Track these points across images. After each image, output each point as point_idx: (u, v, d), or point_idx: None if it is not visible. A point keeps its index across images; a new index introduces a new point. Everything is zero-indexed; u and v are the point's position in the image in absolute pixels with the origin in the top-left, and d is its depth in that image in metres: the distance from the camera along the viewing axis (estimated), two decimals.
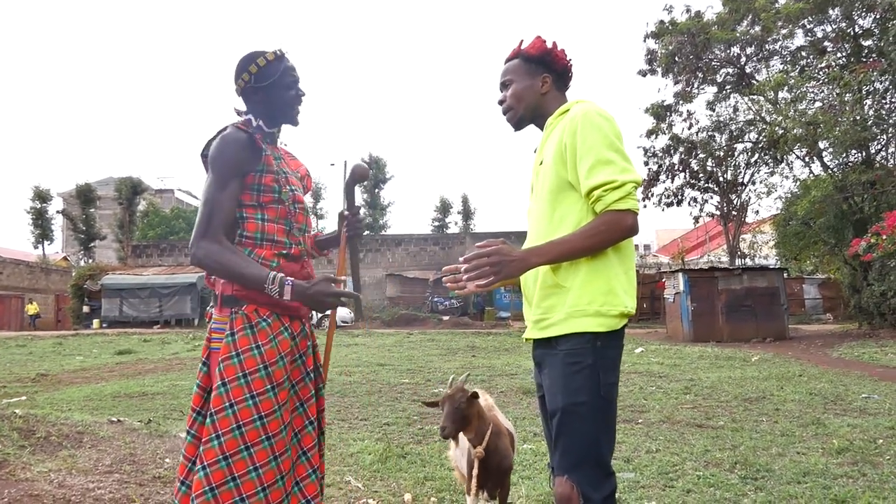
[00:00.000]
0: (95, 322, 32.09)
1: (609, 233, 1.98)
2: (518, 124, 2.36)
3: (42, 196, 48.38)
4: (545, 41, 2.31)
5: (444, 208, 43.86)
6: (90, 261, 44.97)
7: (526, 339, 2.22)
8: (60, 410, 7.22)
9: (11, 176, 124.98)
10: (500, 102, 2.37)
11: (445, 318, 30.35)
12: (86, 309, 33.62)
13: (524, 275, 2.15)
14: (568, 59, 2.32)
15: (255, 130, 2.29)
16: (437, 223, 43.64)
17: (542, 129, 2.31)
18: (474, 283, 2.03)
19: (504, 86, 2.35)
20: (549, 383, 2.09)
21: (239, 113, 2.38)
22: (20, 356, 16.02)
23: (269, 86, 2.31)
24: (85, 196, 47.34)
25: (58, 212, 50.75)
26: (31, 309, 34.93)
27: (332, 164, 53.78)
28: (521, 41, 2.34)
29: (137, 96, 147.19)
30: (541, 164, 2.21)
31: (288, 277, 2.16)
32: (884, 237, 12.63)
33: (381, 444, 5.29)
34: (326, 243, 2.62)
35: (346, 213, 2.56)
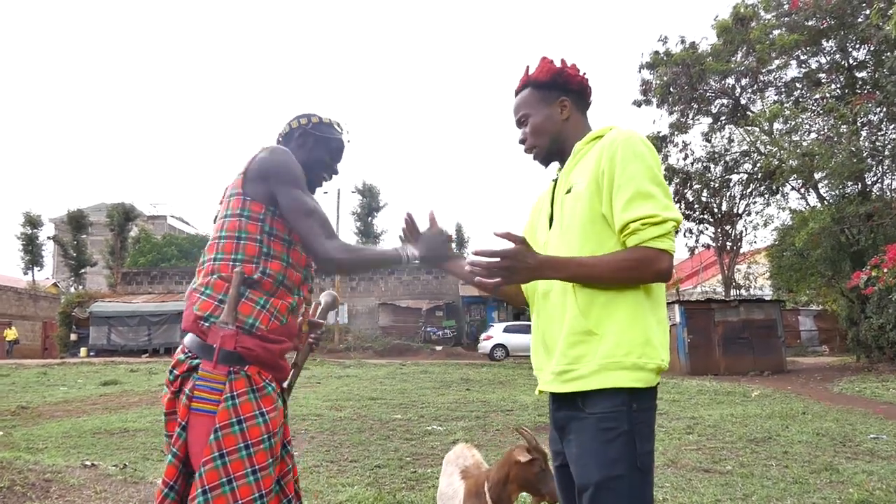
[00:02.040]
0: (83, 350, 31.54)
1: (640, 270, 1.75)
2: (546, 160, 2.10)
3: (33, 222, 47.96)
4: (552, 61, 2.05)
5: None
6: (80, 287, 44.49)
7: (540, 392, 1.93)
8: (35, 449, 6.91)
9: (2, 201, 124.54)
10: (522, 142, 2.11)
11: (439, 348, 30.02)
12: (73, 337, 33.10)
13: (545, 317, 1.91)
14: (583, 74, 2.07)
15: None
16: None
17: (565, 159, 2.05)
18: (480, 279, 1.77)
19: (521, 123, 2.09)
20: (578, 453, 1.79)
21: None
22: (2, 386, 15.57)
23: (321, 138, 2.27)
24: (76, 222, 46.95)
25: (49, 238, 50.34)
26: (10, 335, 34.25)
27: (326, 193, 53.23)
28: (528, 67, 2.08)
29: (131, 122, 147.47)
30: (568, 192, 1.92)
31: (406, 245, 2.16)
32: (885, 270, 12.44)
33: (371, 491, 4.98)
34: None
35: (320, 321, 2.43)
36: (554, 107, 2.03)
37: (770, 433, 7.54)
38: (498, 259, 1.71)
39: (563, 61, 2.06)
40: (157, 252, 44.62)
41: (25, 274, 49.32)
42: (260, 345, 1.94)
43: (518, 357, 24.20)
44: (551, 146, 2.05)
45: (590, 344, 1.78)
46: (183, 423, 1.88)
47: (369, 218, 41.22)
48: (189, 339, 1.99)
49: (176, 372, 1.96)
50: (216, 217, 2.14)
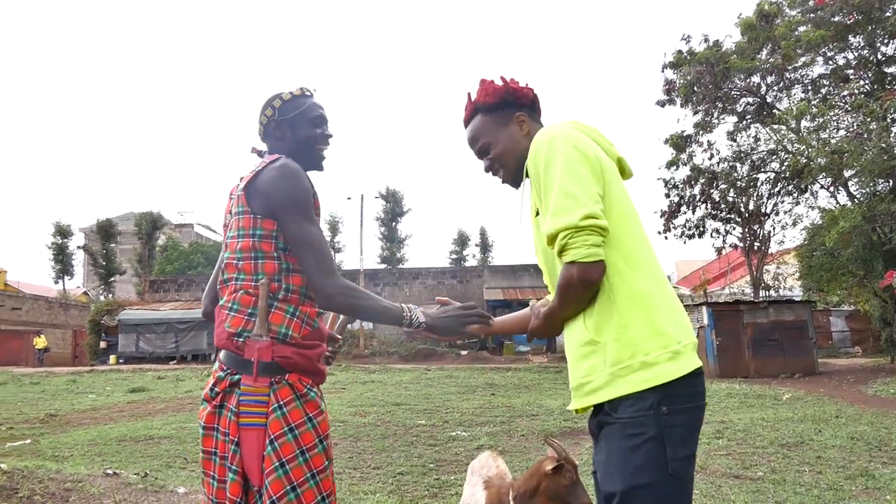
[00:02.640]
0: (112, 358, 31.94)
1: (568, 292, 1.71)
2: (518, 182, 2.01)
3: (63, 232, 48.79)
4: (492, 81, 1.99)
5: (462, 241, 43.56)
6: (110, 296, 45.11)
7: (576, 411, 1.85)
8: (61, 457, 6.95)
9: (33, 212, 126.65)
10: (488, 170, 2.03)
11: (464, 352, 29.89)
12: (102, 344, 33.53)
13: (564, 336, 1.87)
14: (525, 84, 2.00)
15: None
16: (454, 256, 43.32)
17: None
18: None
19: (482, 152, 2.02)
20: (604, 459, 1.71)
21: (259, 154, 2.16)
22: (33, 394, 15.82)
23: (293, 119, 2.12)
24: (105, 231, 47.67)
25: (78, 247, 51.11)
26: (40, 343, 34.72)
27: (349, 198, 53.76)
28: (469, 94, 2.01)
29: (158, 131, 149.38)
30: (537, 214, 1.86)
31: (415, 308, 2.08)
32: None
33: (393, 499, 4.92)
34: None
35: (336, 335, 2.37)
36: (512, 125, 1.97)
37: (802, 437, 7.36)
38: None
39: (502, 78, 2.00)
40: (184, 260, 45.10)
41: (56, 283, 50.19)
42: (297, 352, 1.95)
43: None
44: (518, 167, 1.97)
45: (597, 354, 1.71)
46: (235, 439, 1.89)
47: (393, 223, 41.27)
48: (225, 355, 1.99)
49: (217, 389, 1.96)
50: (227, 225, 2.11)
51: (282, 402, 1.89)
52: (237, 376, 1.93)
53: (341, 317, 2.41)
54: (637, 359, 1.65)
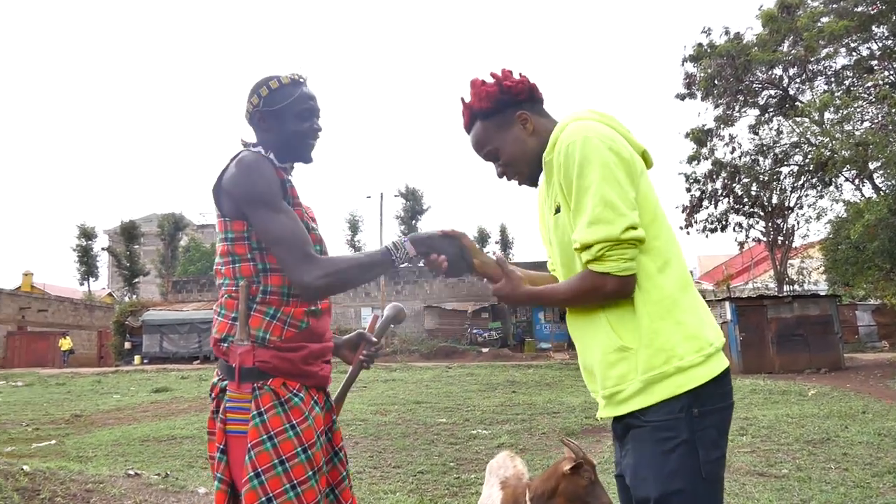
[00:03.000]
0: (136, 358, 32.31)
1: (589, 295, 1.68)
2: (533, 181, 1.96)
3: (87, 233, 49.36)
4: (483, 82, 1.89)
5: (482, 238, 43.52)
6: (134, 297, 45.61)
7: (601, 419, 1.82)
8: (85, 458, 7.03)
9: (58, 215, 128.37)
10: (501, 175, 1.96)
11: (485, 349, 29.88)
12: (127, 345, 33.93)
13: (578, 336, 1.82)
14: (521, 76, 1.90)
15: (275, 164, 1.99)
16: None
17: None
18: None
19: (491, 157, 1.94)
20: (635, 464, 1.66)
21: (246, 145, 2.05)
22: (58, 395, 16.01)
23: (280, 111, 1.99)
24: (128, 233, 48.20)
25: (103, 249, 51.71)
26: (65, 344, 35.16)
27: (369, 197, 53.69)
28: (463, 99, 1.92)
29: (180, 133, 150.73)
30: (557, 211, 1.78)
31: (404, 238, 1.94)
32: None
33: (413, 498, 4.91)
34: (333, 348, 2.23)
35: (372, 338, 2.25)
36: (515, 127, 1.88)
37: (828, 434, 7.25)
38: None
39: (494, 75, 1.90)
40: (207, 260, 45.54)
41: (81, 284, 50.80)
42: (276, 356, 1.86)
43: None
44: (531, 167, 1.90)
45: (629, 360, 1.66)
46: (221, 446, 1.85)
47: (413, 221, 41.36)
48: (219, 361, 1.96)
49: (212, 395, 1.95)
50: None
51: (262, 409, 1.81)
52: (226, 382, 1.89)
53: (381, 319, 2.32)
54: (672, 364, 1.61)
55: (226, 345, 1.89)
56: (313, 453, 1.85)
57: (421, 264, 2.00)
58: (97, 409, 12.53)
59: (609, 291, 1.64)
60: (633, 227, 1.60)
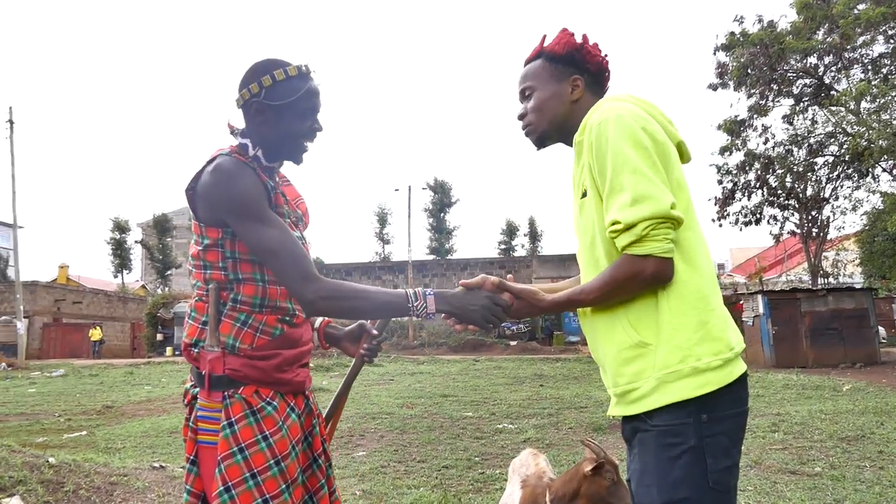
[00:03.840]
0: (168, 350, 32.73)
1: (627, 283, 1.56)
2: (541, 141, 1.88)
3: (121, 227, 50.10)
4: (573, 34, 1.82)
5: (511, 231, 43.30)
6: (166, 289, 46.23)
7: (612, 417, 1.76)
8: (114, 449, 7.10)
9: (94, 208, 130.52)
10: (521, 117, 1.88)
11: (513, 343, 29.78)
12: (159, 337, 34.37)
13: (590, 330, 1.74)
14: (603, 55, 1.84)
15: (252, 162, 1.83)
16: (503, 246, 43.08)
17: (568, 143, 1.83)
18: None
19: (524, 95, 1.87)
20: (640, 470, 1.59)
21: (233, 131, 1.91)
22: (91, 386, 16.26)
23: (281, 107, 1.82)
24: (161, 226, 48.88)
25: (136, 242, 52.46)
26: (95, 335, 35.67)
27: (397, 190, 53.63)
28: (544, 37, 1.85)
29: (213, 127, 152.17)
30: (583, 195, 1.71)
31: (427, 289, 1.80)
32: None
33: (437, 493, 4.86)
34: (334, 339, 2.18)
35: (374, 331, 2.13)
36: (564, 84, 1.81)
37: (863, 431, 7.07)
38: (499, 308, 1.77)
39: (584, 37, 1.84)
40: None
41: (115, 277, 51.59)
42: (247, 364, 1.76)
43: None
44: (550, 127, 1.83)
45: (645, 357, 1.58)
46: (192, 457, 1.77)
47: (441, 214, 41.27)
48: (191, 367, 1.87)
49: (185, 401, 1.86)
50: None
51: (232, 419, 1.71)
52: (197, 389, 1.80)
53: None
54: (688, 364, 1.53)
55: (196, 350, 1.79)
56: (287, 465, 1.75)
57: (449, 322, 1.86)
58: (128, 400, 12.70)
59: (649, 276, 1.53)
60: (675, 207, 1.53)
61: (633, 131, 1.57)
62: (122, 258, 50.19)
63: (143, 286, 56.28)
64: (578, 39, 1.83)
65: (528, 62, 1.88)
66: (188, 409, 1.83)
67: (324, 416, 2.10)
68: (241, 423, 1.71)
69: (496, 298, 1.78)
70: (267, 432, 1.73)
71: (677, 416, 1.52)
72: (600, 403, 9.97)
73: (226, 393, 1.74)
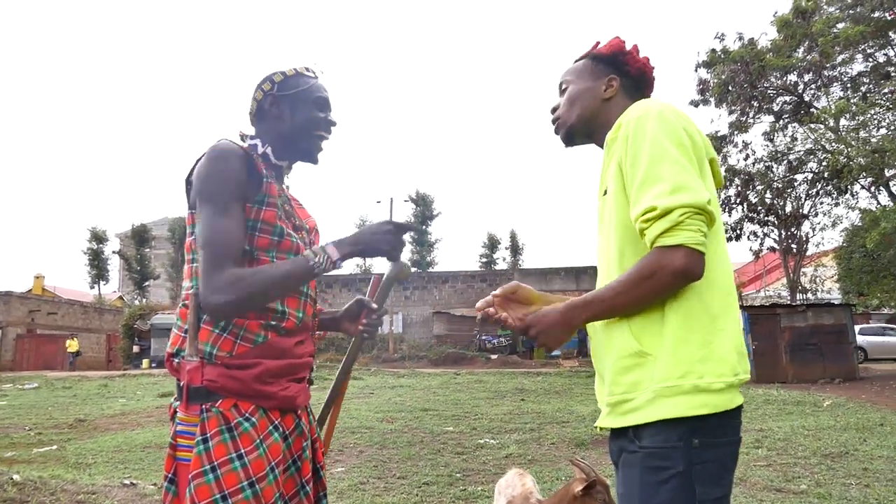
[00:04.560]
0: (144, 362, 32.26)
1: (656, 278, 1.42)
2: (568, 138, 1.81)
3: (98, 237, 49.42)
4: (624, 41, 1.78)
5: (492, 244, 43.21)
6: (144, 300, 45.65)
7: (600, 429, 1.64)
8: (84, 465, 6.90)
9: (70, 218, 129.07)
10: (552, 110, 1.83)
11: (494, 356, 29.65)
12: (135, 349, 33.89)
13: (593, 335, 1.63)
14: (646, 62, 1.78)
15: (251, 150, 1.77)
16: (484, 260, 42.96)
17: (599, 144, 1.76)
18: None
19: (560, 90, 1.83)
20: (626, 493, 1.50)
21: (243, 138, 1.86)
22: (64, 399, 15.91)
23: (294, 96, 1.82)
24: (140, 236, 48.24)
25: (114, 252, 51.79)
26: (72, 346, 35.07)
27: (379, 202, 53.41)
28: (598, 43, 1.83)
29: (194, 137, 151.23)
30: (605, 193, 1.63)
31: (324, 245, 1.70)
32: None
33: None
34: (329, 324, 2.06)
35: (372, 306, 2.00)
36: (599, 82, 1.76)
37: (846, 447, 7.03)
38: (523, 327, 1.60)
39: (634, 46, 1.80)
40: None
41: (92, 288, 50.87)
42: (224, 373, 1.63)
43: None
44: (579, 123, 1.77)
45: (644, 368, 1.48)
46: (170, 475, 1.64)
47: (423, 226, 41.13)
48: (176, 379, 1.75)
49: (170, 417, 1.74)
50: None
51: (207, 435, 1.58)
52: (178, 403, 1.68)
53: (386, 275, 2.02)
54: (688, 380, 1.42)
55: (177, 360, 1.67)
56: (262, 488, 1.60)
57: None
58: (102, 414, 12.41)
59: (678, 269, 1.40)
60: (711, 202, 1.45)
61: (674, 128, 1.50)
62: (99, 269, 49.47)
63: (121, 297, 55.57)
64: (628, 46, 1.79)
65: (574, 62, 1.86)
66: (172, 424, 1.70)
67: (321, 414, 1.98)
68: (214, 440, 1.59)
69: (397, 223, 1.78)
70: (242, 451, 1.60)
71: (667, 437, 1.42)
72: (583, 418, 9.88)
73: (203, 406, 1.62)
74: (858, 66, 21.55)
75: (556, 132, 1.83)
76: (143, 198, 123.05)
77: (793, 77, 22.68)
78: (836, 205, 24.38)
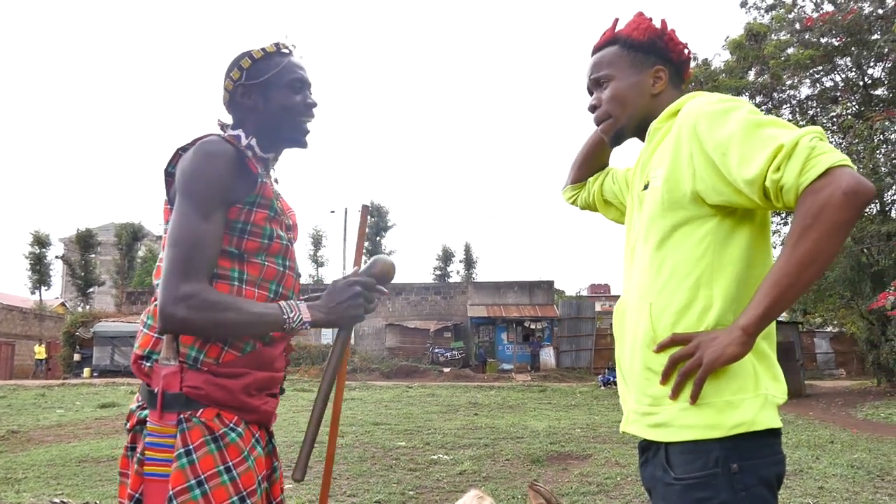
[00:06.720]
0: (86, 371, 31.22)
1: (830, 217, 1.17)
2: (618, 138, 1.65)
3: (41, 241, 47.94)
4: (651, 19, 1.61)
5: (447, 257, 43.24)
6: (88, 307, 44.34)
7: (624, 432, 1.49)
8: (14, 480, 6.51)
9: (11, 221, 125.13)
10: (592, 109, 1.65)
11: (446, 369, 29.48)
12: (77, 357, 32.76)
13: (619, 331, 1.50)
14: (684, 44, 1.62)
15: (241, 145, 1.61)
16: (438, 272, 42.95)
17: (643, 139, 1.61)
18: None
19: (598, 84, 1.63)
20: None
21: (223, 127, 1.70)
22: None
23: (266, 83, 1.65)
24: (85, 241, 46.96)
25: (57, 257, 50.28)
26: (40, 353, 33.80)
27: (333, 212, 53.14)
28: (616, 21, 1.64)
29: (142, 142, 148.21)
30: (645, 188, 1.48)
31: (298, 302, 1.57)
32: None
33: None
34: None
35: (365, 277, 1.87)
36: (646, 75, 1.59)
37: (800, 465, 7.03)
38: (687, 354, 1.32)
39: (663, 22, 1.62)
40: None
41: (33, 293, 49.26)
42: (210, 381, 1.48)
43: None
44: (630, 122, 1.60)
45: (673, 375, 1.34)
46: (137, 494, 1.44)
47: (377, 237, 40.93)
48: (141, 384, 1.56)
49: (128, 425, 1.55)
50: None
51: (191, 447, 1.43)
52: (146, 411, 1.50)
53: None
54: (722, 397, 1.29)
55: (148, 364, 1.51)
56: (253, 503, 1.47)
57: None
58: (37, 425, 11.87)
59: (847, 189, 1.16)
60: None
61: (742, 101, 1.37)
62: (41, 274, 47.95)
63: (63, 304, 53.91)
64: (658, 24, 1.61)
65: (599, 48, 1.66)
66: (130, 437, 1.52)
67: (315, 412, 1.79)
68: (200, 451, 1.42)
69: (363, 281, 1.69)
70: (230, 463, 1.45)
71: (704, 464, 1.28)
72: (537, 434, 9.76)
73: (181, 416, 1.45)
74: (807, 90, 22.10)
75: (604, 132, 1.67)
76: (88, 202, 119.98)
77: (745, 98, 23.18)
78: (785, 224, 24.93)
